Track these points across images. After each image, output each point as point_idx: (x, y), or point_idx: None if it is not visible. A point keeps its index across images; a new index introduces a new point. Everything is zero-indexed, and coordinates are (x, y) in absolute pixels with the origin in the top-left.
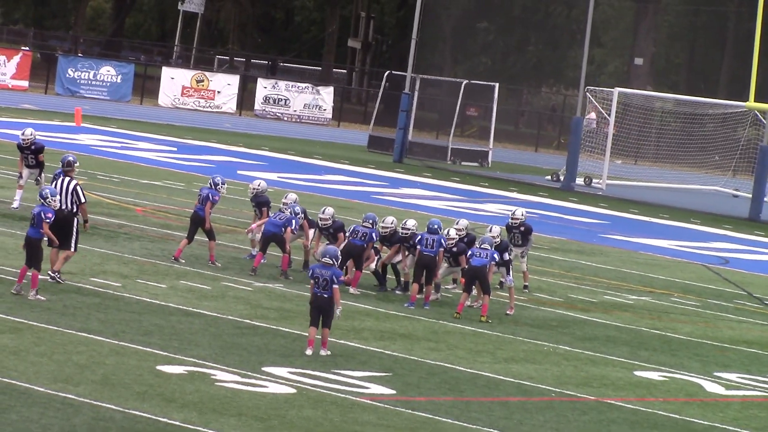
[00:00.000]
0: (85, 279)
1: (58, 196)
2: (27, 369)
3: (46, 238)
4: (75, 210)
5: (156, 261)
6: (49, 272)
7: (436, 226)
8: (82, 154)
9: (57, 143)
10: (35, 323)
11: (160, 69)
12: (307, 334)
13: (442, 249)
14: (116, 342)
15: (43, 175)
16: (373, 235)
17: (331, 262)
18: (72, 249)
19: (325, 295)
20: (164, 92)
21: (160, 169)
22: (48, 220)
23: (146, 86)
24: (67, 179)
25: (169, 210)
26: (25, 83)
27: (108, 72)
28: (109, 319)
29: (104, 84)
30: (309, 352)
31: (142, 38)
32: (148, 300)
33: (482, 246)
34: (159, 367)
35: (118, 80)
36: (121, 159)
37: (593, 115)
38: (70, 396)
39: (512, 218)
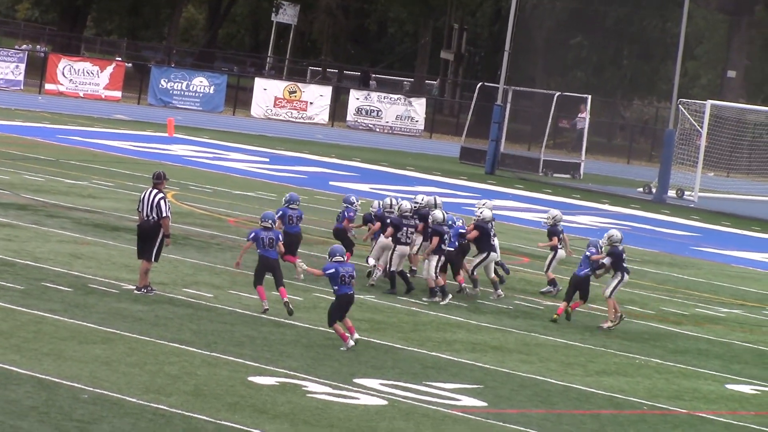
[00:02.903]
0: (177, 289)
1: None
2: (119, 379)
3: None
4: (158, 222)
5: (248, 272)
6: (135, 291)
7: (451, 222)
8: (175, 164)
9: (150, 154)
10: (127, 334)
11: (252, 80)
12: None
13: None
14: (208, 353)
15: None
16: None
17: (343, 259)
18: (152, 260)
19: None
20: (257, 103)
21: (252, 180)
22: (280, 240)
23: (239, 97)
24: (154, 191)
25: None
26: (118, 94)
27: (201, 83)
28: (201, 329)
29: (197, 95)
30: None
31: (235, 49)
32: (240, 311)
33: None
34: (251, 378)
35: (211, 91)
36: (214, 170)
37: (584, 114)
38: (161, 407)
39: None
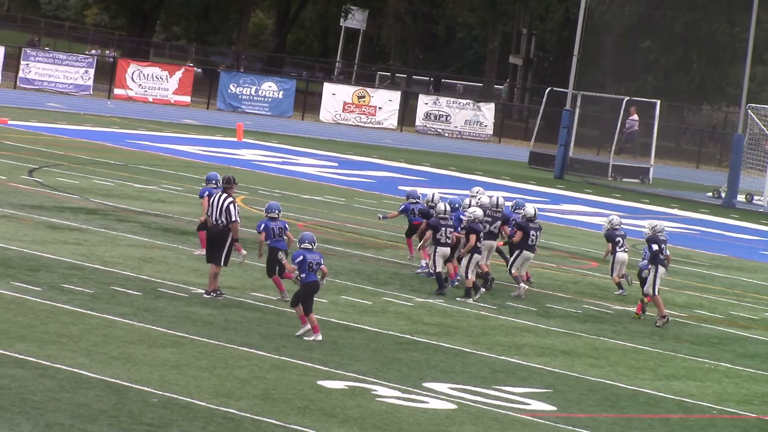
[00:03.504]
0: (245, 293)
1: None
2: (188, 383)
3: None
4: (228, 226)
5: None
6: (204, 294)
7: (457, 205)
8: (244, 169)
9: (219, 158)
10: (197, 337)
11: (321, 85)
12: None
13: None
14: (277, 357)
15: None
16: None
17: (311, 247)
18: (221, 264)
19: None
20: (326, 108)
21: (321, 185)
22: (287, 230)
23: (308, 102)
24: (224, 196)
25: (330, 225)
26: (187, 98)
27: (270, 87)
28: (270, 333)
29: (266, 99)
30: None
31: (304, 54)
32: None
33: None
34: (320, 382)
35: (280, 96)
36: (283, 174)
37: (636, 116)
38: (231, 410)
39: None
